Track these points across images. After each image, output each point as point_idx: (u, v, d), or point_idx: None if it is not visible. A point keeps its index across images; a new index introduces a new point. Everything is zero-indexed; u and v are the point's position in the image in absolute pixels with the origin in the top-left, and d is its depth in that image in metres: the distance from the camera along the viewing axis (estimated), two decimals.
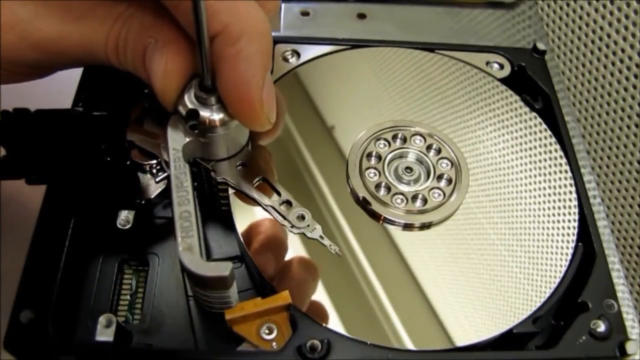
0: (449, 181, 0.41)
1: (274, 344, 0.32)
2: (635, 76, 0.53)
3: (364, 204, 0.39)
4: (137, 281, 0.37)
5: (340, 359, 0.32)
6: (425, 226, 0.39)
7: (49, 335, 0.31)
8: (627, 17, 0.53)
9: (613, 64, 0.55)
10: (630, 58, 0.53)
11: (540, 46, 0.47)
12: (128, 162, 0.36)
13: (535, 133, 0.43)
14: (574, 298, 0.36)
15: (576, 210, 0.39)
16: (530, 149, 0.43)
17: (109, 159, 0.35)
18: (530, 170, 0.42)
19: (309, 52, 0.46)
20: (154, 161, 0.37)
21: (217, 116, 0.33)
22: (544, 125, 0.44)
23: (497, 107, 0.45)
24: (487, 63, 0.47)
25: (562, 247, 0.38)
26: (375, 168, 0.41)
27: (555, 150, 0.42)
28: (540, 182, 0.41)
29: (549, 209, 0.40)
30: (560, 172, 0.41)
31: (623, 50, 0.54)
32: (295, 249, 0.36)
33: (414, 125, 0.43)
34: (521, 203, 0.40)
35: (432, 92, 0.45)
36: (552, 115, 0.44)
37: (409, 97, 0.45)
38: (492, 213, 0.40)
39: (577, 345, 0.33)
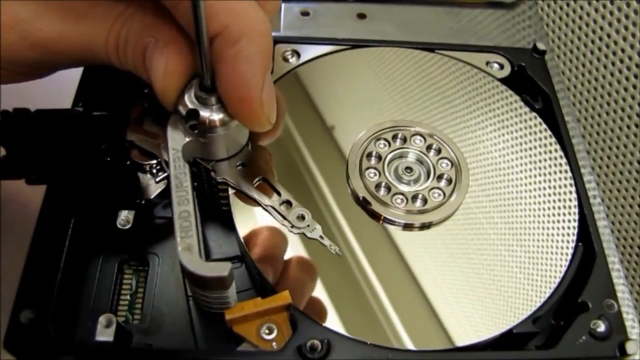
0: (449, 181, 0.41)
1: (274, 344, 0.32)
2: (635, 76, 0.53)
3: (364, 204, 0.39)
4: (137, 281, 0.37)
5: (340, 359, 0.32)
6: (425, 226, 0.39)
7: (49, 335, 0.31)
8: (627, 17, 0.53)
9: (613, 64, 0.55)
10: (630, 58, 0.53)
11: (540, 46, 0.47)
12: (128, 162, 0.36)
13: (535, 133, 0.43)
14: (574, 298, 0.36)
15: (576, 210, 0.39)
16: (530, 149, 0.43)
17: (108, 159, 0.35)
18: (530, 170, 0.42)
19: (309, 52, 0.46)
20: (154, 161, 0.37)
21: (217, 116, 0.33)
22: (544, 125, 0.44)
23: (497, 107, 0.45)
24: (487, 63, 0.47)
25: (562, 247, 0.38)
26: (375, 168, 0.41)
27: (555, 150, 0.42)
28: (540, 182, 0.41)
29: (549, 209, 0.40)
30: (560, 172, 0.41)
31: (623, 50, 0.54)
32: (295, 249, 0.36)
33: (414, 125, 0.43)
34: (521, 203, 0.40)
35: (432, 92, 0.45)
36: (552, 115, 0.44)
37: (409, 97, 0.45)
38: (492, 213, 0.40)
39: (577, 345, 0.34)
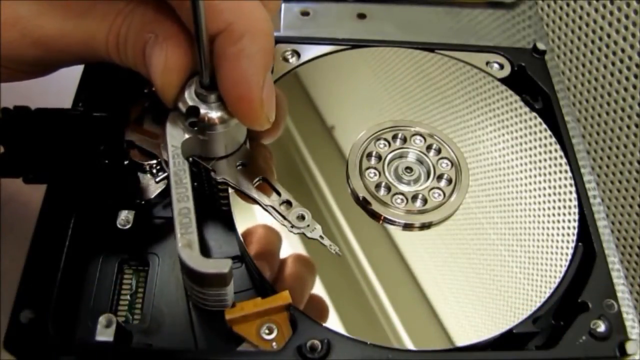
0: (449, 181, 0.41)
1: (274, 344, 0.32)
2: (635, 76, 0.53)
3: (364, 204, 0.39)
4: (137, 281, 0.37)
5: (340, 359, 0.32)
6: (425, 226, 0.39)
7: (49, 335, 0.31)
8: (627, 17, 0.53)
9: (613, 64, 0.55)
10: (630, 58, 0.53)
11: (540, 46, 0.47)
12: (126, 162, 0.36)
13: (535, 133, 0.43)
14: (574, 298, 0.36)
15: (576, 210, 0.39)
16: (530, 149, 0.43)
17: (107, 160, 0.35)
18: (530, 170, 0.42)
19: (309, 52, 0.46)
20: (154, 161, 0.37)
21: (216, 114, 0.33)
22: (544, 125, 0.44)
23: (497, 107, 0.45)
24: (487, 63, 0.47)
25: (562, 247, 0.38)
26: (375, 168, 0.41)
27: (555, 150, 0.42)
28: (540, 182, 0.41)
29: (549, 209, 0.40)
30: (560, 172, 0.41)
31: (623, 50, 0.54)
32: (295, 249, 0.36)
33: (414, 125, 0.43)
34: (521, 203, 0.40)
35: (432, 92, 0.45)
36: (552, 115, 0.44)
37: (409, 97, 0.45)
38: (492, 213, 0.40)
39: (577, 345, 0.33)
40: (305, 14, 0.56)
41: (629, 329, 0.36)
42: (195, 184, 0.37)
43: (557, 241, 0.38)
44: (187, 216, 0.31)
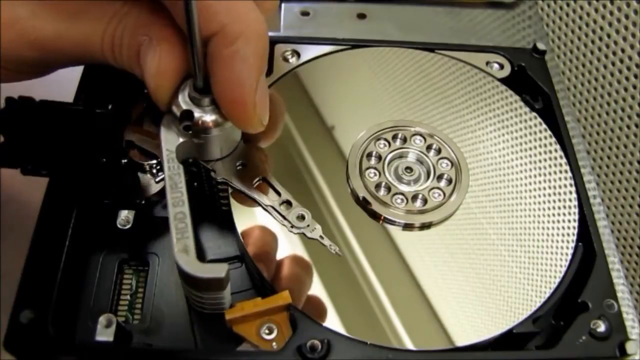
0: (449, 181, 0.41)
1: (274, 344, 0.32)
2: (635, 76, 0.53)
3: (364, 204, 0.39)
4: (137, 281, 0.37)
5: (340, 359, 0.32)
6: (425, 226, 0.39)
7: (49, 335, 0.31)
8: (627, 17, 0.53)
9: (613, 64, 0.55)
10: (630, 58, 0.53)
11: (540, 46, 0.47)
12: (124, 161, 0.36)
13: (535, 133, 0.43)
14: (574, 298, 0.36)
15: (576, 210, 0.39)
16: (530, 149, 0.43)
17: (104, 158, 0.35)
18: (530, 170, 0.42)
19: (309, 52, 0.46)
20: (154, 161, 0.37)
21: (210, 117, 0.33)
22: (544, 125, 0.44)
23: (497, 107, 0.45)
24: (487, 63, 0.47)
25: (562, 247, 0.38)
26: (375, 168, 0.41)
27: (555, 150, 0.42)
28: (540, 182, 0.41)
29: (549, 209, 0.40)
30: (560, 172, 0.41)
31: (623, 50, 0.54)
32: (295, 249, 0.36)
33: (414, 125, 0.43)
34: (521, 203, 0.40)
35: (432, 92, 0.45)
36: (552, 115, 0.44)
37: (409, 97, 0.45)
38: (492, 213, 0.40)
39: (577, 345, 0.33)
40: (305, 14, 0.56)
41: (629, 329, 0.36)
42: (195, 184, 0.37)
43: (557, 241, 0.38)
44: (182, 221, 0.31)
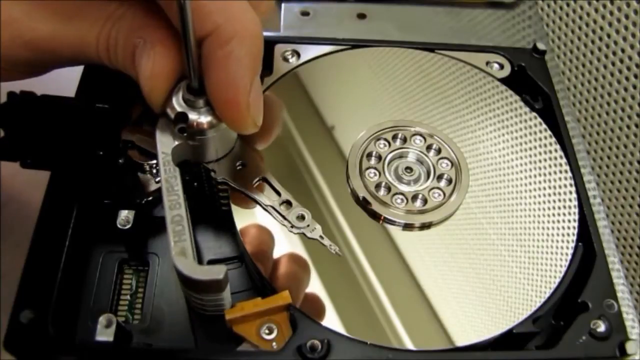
0: (449, 181, 0.41)
1: (274, 344, 0.32)
2: (635, 76, 0.53)
3: (364, 204, 0.39)
4: (137, 281, 0.37)
5: (340, 359, 0.32)
6: (425, 226, 0.39)
7: (49, 335, 0.31)
8: (627, 17, 0.53)
9: (613, 64, 0.55)
10: (630, 58, 0.53)
11: (540, 46, 0.47)
12: (121, 161, 0.36)
13: (535, 133, 0.43)
14: (574, 298, 0.36)
15: (576, 211, 0.39)
16: (530, 149, 0.43)
17: (101, 151, 0.35)
18: (530, 170, 0.42)
19: (309, 52, 0.46)
20: (154, 161, 0.37)
21: (205, 119, 0.32)
22: (544, 125, 0.44)
23: (497, 107, 0.45)
24: (487, 63, 0.47)
25: (562, 247, 0.38)
26: (375, 168, 0.41)
27: (555, 150, 0.42)
28: (540, 182, 0.41)
29: (549, 209, 0.40)
30: (560, 172, 0.41)
31: (623, 50, 0.54)
32: (295, 249, 0.36)
33: (414, 125, 0.43)
34: (521, 203, 0.40)
35: (432, 92, 0.45)
36: (552, 115, 0.44)
37: (409, 97, 0.45)
38: (492, 213, 0.40)
39: (577, 345, 0.34)
40: (305, 14, 0.56)
41: (629, 329, 0.36)
42: (195, 184, 0.37)
43: (557, 241, 0.38)
44: (179, 224, 0.31)
